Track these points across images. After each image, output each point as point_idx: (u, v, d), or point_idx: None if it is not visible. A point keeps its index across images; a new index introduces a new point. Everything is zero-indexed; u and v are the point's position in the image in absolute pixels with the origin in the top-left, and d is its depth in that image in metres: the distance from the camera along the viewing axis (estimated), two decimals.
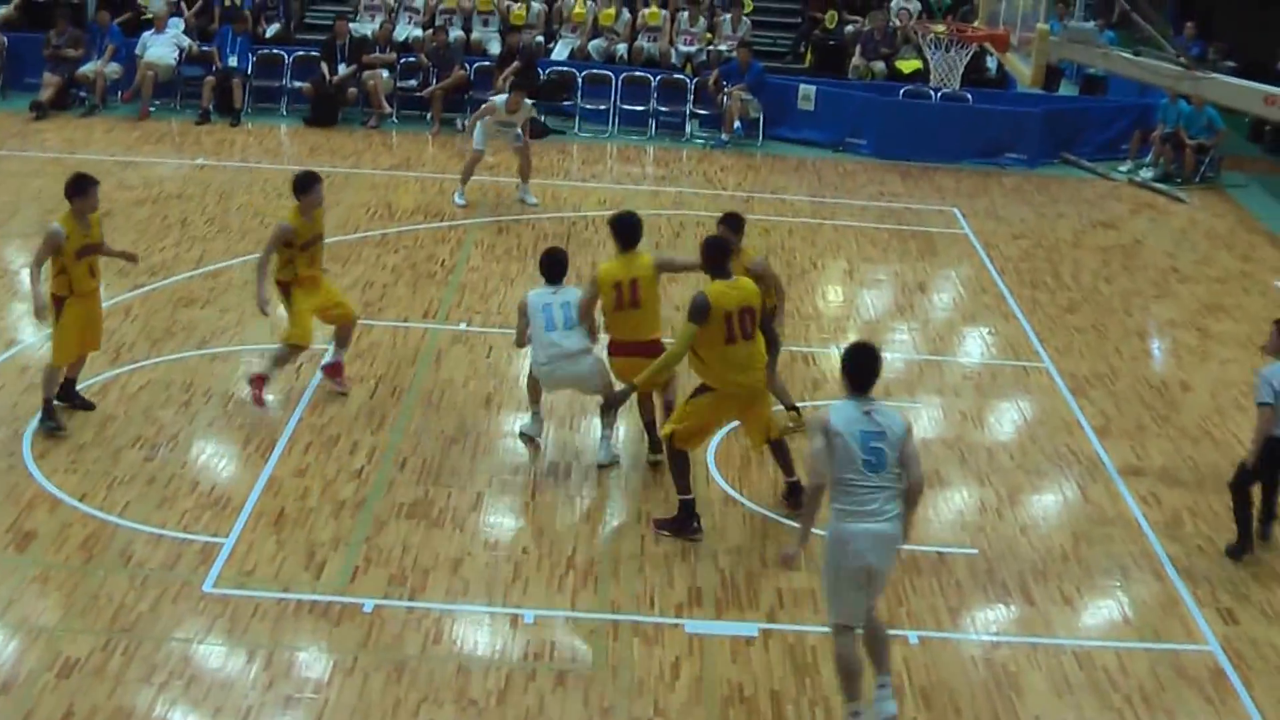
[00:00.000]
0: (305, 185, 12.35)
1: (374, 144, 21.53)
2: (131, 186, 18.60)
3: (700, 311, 10.39)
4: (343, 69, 22.56)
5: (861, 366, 8.62)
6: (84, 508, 10.84)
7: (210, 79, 22.56)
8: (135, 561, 10.22)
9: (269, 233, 12.46)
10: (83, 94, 22.63)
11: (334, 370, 12.97)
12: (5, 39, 23.45)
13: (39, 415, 11.98)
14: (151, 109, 22.45)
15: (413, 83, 22.99)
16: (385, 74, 22.87)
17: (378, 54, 23.05)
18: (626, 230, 11.52)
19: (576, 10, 24.32)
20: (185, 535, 10.56)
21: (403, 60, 23.19)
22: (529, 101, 18.64)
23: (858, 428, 8.37)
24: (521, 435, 12.32)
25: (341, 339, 12.94)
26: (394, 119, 22.76)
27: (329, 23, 23.92)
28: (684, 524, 10.93)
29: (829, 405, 8.79)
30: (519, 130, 18.37)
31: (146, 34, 22.94)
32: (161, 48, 22.73)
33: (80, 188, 11.85)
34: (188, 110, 22.63)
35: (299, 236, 12.23)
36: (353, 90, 22.61)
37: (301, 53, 23.37)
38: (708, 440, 11.68)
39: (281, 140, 21.84)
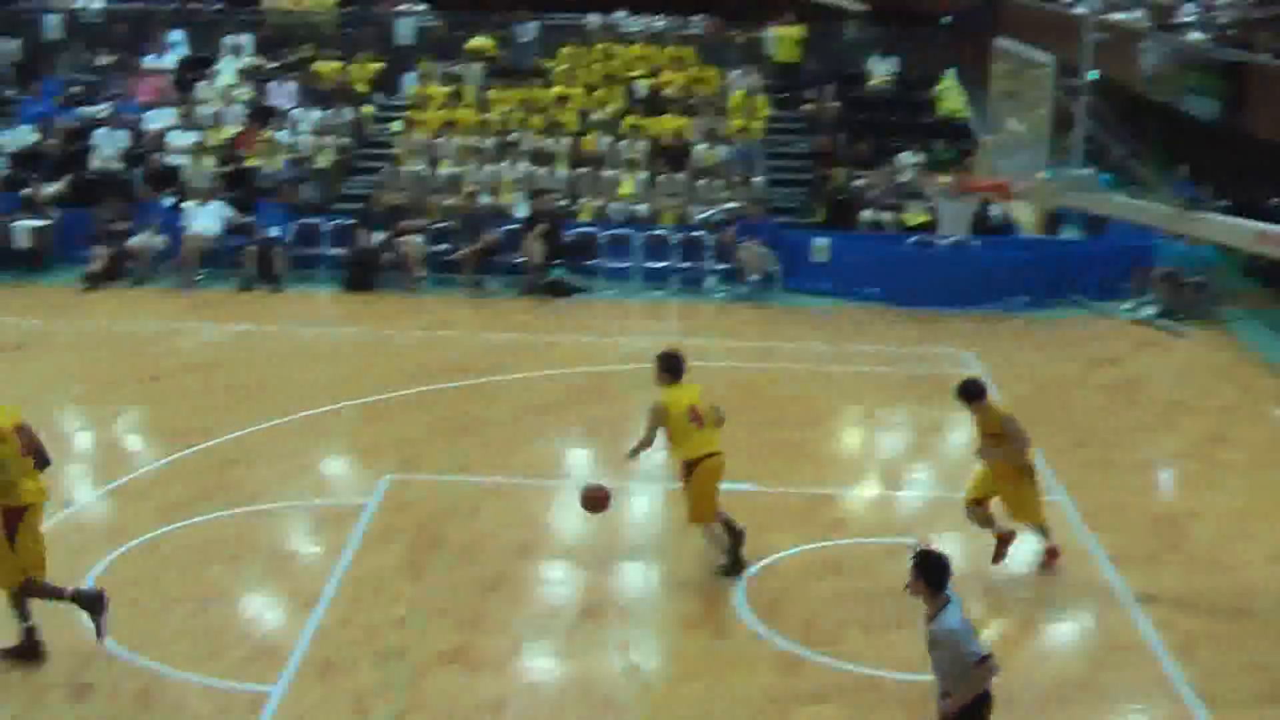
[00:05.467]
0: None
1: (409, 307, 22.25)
2: (179, 353, 19.41)
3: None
4: (379, 235, 23.45)
5: None
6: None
7: (252, 248, 23.46)
8: (193, 715, 10.49)
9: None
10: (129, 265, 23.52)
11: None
12: (60, 214, 24.42)
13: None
14: (197, 278, 23.34)
15: (445, 247, 23.87)
16: (419, 239, 23.76)
17: (412, 221, 23.99)
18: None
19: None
20: (235, 685, 10.86)
21: (435, 226, 24.12)
22: None
23: None
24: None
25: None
26: (428, 282, 23.55)
27: (364, 192, 24.88)
28: None
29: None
30: None
31: (190, 205, 23.98)
32: (205, 220, 23.72)
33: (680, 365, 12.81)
34: (232, 279, 23.46)
35: None
36: (388, 255, 23.49)
37: (339, 221, 24.35)
38: None
39: (320, 305, 22.76)
